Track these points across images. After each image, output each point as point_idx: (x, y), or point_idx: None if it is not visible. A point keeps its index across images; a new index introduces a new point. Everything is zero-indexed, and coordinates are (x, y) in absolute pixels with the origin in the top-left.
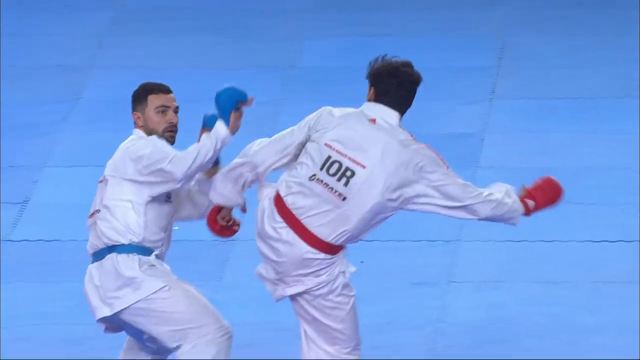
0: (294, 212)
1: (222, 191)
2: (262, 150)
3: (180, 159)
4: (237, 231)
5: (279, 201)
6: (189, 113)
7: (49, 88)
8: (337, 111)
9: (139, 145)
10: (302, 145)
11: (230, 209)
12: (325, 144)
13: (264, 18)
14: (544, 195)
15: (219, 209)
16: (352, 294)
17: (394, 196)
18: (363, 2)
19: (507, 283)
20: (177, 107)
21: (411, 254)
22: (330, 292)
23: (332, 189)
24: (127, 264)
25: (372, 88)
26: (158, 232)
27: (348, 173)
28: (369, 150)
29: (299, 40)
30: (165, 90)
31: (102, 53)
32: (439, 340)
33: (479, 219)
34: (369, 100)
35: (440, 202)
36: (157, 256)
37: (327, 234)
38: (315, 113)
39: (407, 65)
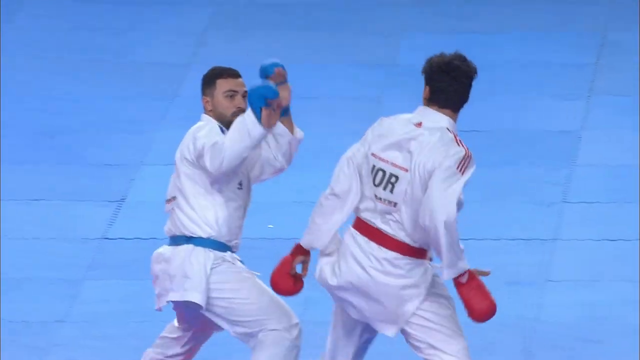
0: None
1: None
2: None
3: (216, 151)
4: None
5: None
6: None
7: (149, 85)
8: (387, 119)
9: (203, 131)
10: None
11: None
12: (372, 154)
13: (365, 13)
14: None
15: (290, 262)
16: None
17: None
18: None
19: (603, 282)
20: (245, 92)
21: (507, 252)
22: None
23: (380, 199)
24: (200, 259)
25: (427, 87)
26: (235, 224)
27: (392, 179)
28: (409, 153)
29: (399, 35)
30: (235, 74)
31: (202, 49)
32: (534, 339)
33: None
34: (425, 98)
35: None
36: (232, 249)
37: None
38: (370, 127)
39: (460, 58)
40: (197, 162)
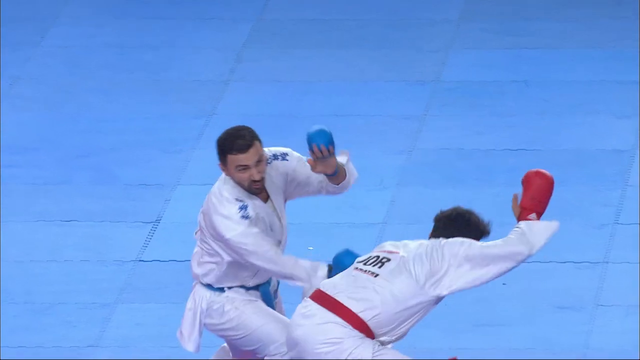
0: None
1: None
2: None
3: (260, 256)
4: None
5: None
6: (333, 126)
7: (186, 102)
8: None
9: (223, 224)
10: None
11: None
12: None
13: (409, 30)
14: (538, 202)
15: None
16: None
17: (426, 283)
18: (513, 11)
19: None
20: (260, 158)
21: (557, 276)
22: None
23: (366, 271)
24: (195, 300)
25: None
26: (244, 274)
27: (384, 260)
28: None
29: (445, 52)
30: (244, 148)
31: (240, 65)
32: None
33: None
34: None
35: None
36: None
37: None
38: None
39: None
40: (216, 240)
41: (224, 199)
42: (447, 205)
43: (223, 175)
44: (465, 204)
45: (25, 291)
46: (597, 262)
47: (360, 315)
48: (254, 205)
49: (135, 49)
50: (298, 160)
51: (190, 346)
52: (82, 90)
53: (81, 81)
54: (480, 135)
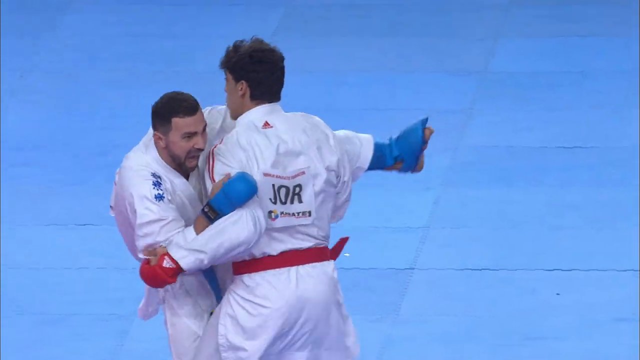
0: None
1: None
2: None
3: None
4: None
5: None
6: (371, 121)
7: (210, 95)
8: (229, 142)
9: (137, 203)
10: None
11: None
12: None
13: (454, 16)
14: None
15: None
16: None
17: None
18: None
19: None
20: (205, 125)
21: (615, 285)
22: None
23: (294, 214)
24: None
25: (243, 82)
26: None
27: (297, 189)
28: (296, 156)
29: (492, 40)
30: (193, 109)
31: None
32: None
33: None
34: (242, 96)
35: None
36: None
37: None
38: (216, 161)
39: (267, 45)
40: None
41: (137, 173)
42: (495, 207)
43: (142, 144)
44: (514, 206)
45: (36, 301)
46: None
47: None
48: (173, 183)
49: (155, 37)
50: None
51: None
52: (98, 83)
53: (97, 73)
54: (531, 131)
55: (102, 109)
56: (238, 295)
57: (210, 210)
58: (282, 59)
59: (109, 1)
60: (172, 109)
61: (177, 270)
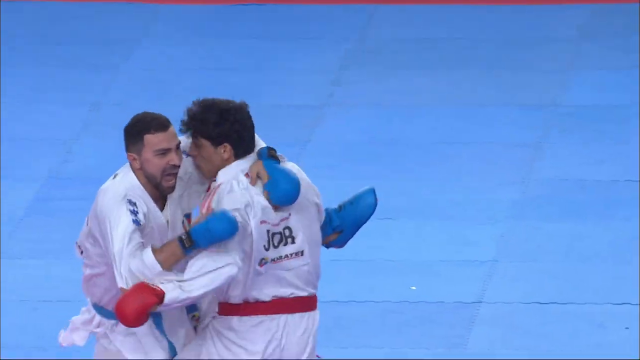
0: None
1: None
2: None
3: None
4: None
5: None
6: (440, 155)
7: (280, 129)
8: (227, 189)
9: (114, 220)
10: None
11: None
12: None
13: (525, 50)
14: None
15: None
16: None
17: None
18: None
19: None
20: (179, 143)
21: None
22: None
23: (287, 256)
24: None
25: (226, 145)
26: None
27: (286, 232)
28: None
29: (564, 73)
30: (164, 124)
31: (338, 89)
32: None
33: None
34: (227, 160)
35: None
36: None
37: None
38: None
39: (231, 103)
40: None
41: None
42: (564, 241)
43: (118, 171)
44: (584, 240)
45: None
46: None
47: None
48: (149, 208)
49: (225, 71)
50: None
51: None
52: (168, 117)
53: (166, 107)
54: (602, 165)
55: None
56: (226, 338)
57: (188, 239)
58: (248, 108)
59: (181, 35)
60: (143, 127)
61: (159, 302)
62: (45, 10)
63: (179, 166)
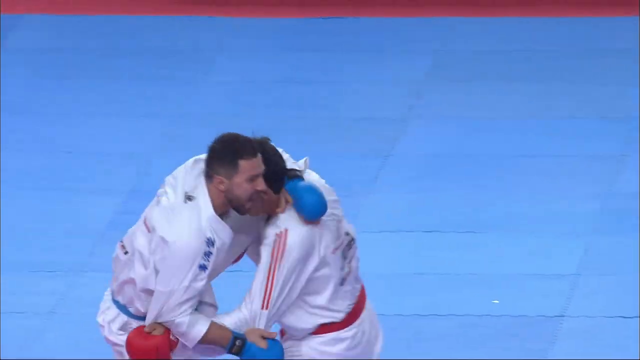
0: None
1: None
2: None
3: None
4: None
5: None
6: (521, 168)
7: (359, 142)
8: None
9: (179, 264)
10: None
11: None
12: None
13: (605, 61)
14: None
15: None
16: None
17: None
18: None
19: None
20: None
21: None
22: None
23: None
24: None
25: (284, 190)
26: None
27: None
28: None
29: None
30: (255, 150)
31: (419, 102)
32: None
33: None
34: (287, 202)
35: None
36: None
37: None
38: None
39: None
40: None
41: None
42: None
43: (196, 196)
44: None
45: None
46: None
47: None
48: (223, 242)
49: (304, 84)
50: None
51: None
52: (247, 129)
53: (245, 120)
54: None
55: None
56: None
57: (238, 348)
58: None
59: (258, 47)
60: (237, 151)
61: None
62: (119, 23)
63: (264, 191)
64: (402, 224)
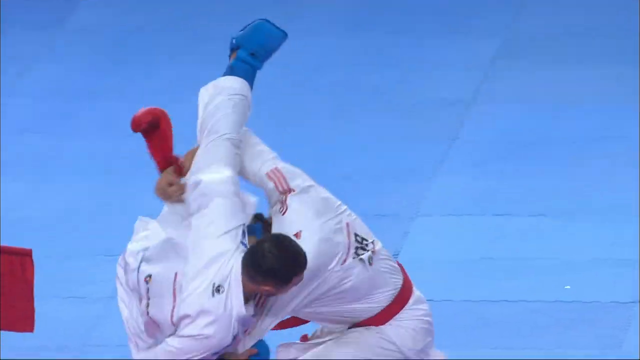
0: None
1: None
2: None
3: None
4: None
5: None
6: (592, 152)
7: (425, 125)
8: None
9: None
10: None
11: None
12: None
13: None
14: None
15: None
16: None
17: None
18: None
19: None
20: None
21: None
22: None
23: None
24: None
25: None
26: None
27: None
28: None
29: None
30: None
31: (487, 85)
32: None
33: None
34: None
35: None
36: None
37: None
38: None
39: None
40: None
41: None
42: None
43: (228, 289)
44: None
45: None
46: None
47: None
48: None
49: (369, 66)
50: None
51: None
52: (310, 113)
53: (309, 103)
54: None
55: (314, 139)
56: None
57: None
58: None
59: (321, 29)
60: (294, 270)
61: None
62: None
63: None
64: (470, 208)
